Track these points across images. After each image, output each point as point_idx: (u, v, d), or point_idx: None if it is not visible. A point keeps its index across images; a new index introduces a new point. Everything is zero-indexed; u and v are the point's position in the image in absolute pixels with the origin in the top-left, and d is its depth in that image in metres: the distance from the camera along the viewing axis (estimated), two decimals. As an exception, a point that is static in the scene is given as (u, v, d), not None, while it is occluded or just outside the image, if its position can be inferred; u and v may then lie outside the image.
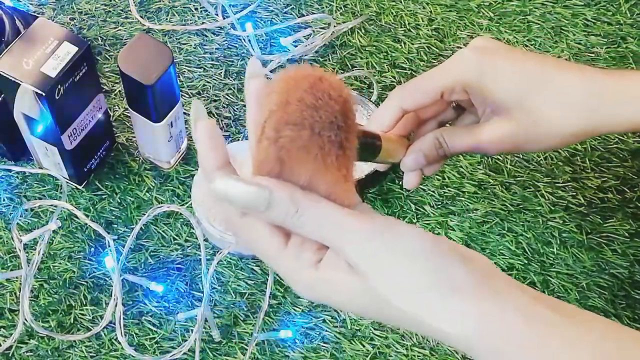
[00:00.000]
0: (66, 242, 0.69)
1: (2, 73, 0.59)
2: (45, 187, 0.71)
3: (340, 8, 0.82)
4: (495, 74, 0.54)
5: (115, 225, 0.70)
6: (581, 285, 0.69)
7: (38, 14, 0.80)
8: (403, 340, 0.67)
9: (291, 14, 0.82)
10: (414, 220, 0.71)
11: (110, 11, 0.81)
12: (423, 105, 0.56)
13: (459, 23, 0.82)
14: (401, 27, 0.81)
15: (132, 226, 0.70)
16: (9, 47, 0.60)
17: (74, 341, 0.65)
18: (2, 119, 0.66)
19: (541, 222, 0.72)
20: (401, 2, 0.83)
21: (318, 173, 0.39)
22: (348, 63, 0.79)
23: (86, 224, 0.68)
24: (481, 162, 0.74)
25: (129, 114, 0.69)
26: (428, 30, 0.81)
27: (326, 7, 0.82)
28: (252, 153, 0.40)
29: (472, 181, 0.74)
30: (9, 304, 0.67)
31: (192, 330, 0.65)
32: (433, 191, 0.73)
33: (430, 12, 0.83)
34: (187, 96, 0.77)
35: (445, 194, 0.73)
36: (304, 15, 0.81)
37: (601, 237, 0.72)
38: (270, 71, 0.77)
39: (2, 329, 0.66)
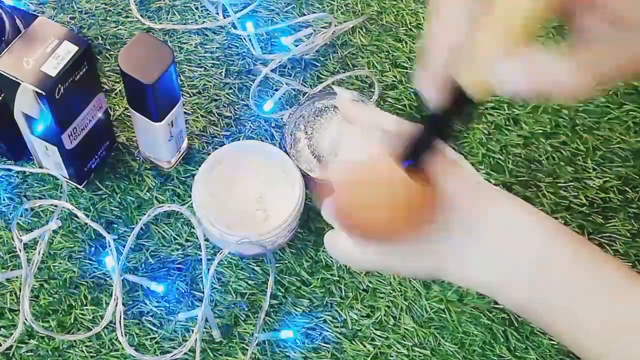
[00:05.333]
0: (66, 241, 0.69)
1: (2, 72, 0.59)
2: (45, 186, 0.71)
3: (341, 7, 0.82)
4: None
5: (116, 225, 0.70)
6: (583, 286, 0.69)
7: (38, 13, 0.80)
8: (404, 340, 0.67)
9: (292, 13, 0.81)
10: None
11: (110, 10, 0.81)
12: None
13: (461, 22, 0.82)
14: (402, 27, 0.81)
15: (132, 226, 0.69)
16: (9, 46, 0.60)
17: (74, 341, 0.65)
18: (2, 119, 0.66)
19: (543, 222, 0.72)
20: (402, 1, 0.83)
21: None
22: (349, 62, 0.79)
23: (86, 223, 0.68)
24: (482, 162, 0.74)
25: (129, 114, 0.69)
26: (429, 30, 0.81)
27: (327, 6, 0.82)
28: None
29: (473, 181, 0.73)
30: (9, 304, 0.66)
31: (192, 330, 0.65)
32: (434, 191, 0.73)
33: (432, 11, 0.82)
34: (188, 95, 0.76)
35: (447, 194, 0.73)
36: (304, 15, 0.81)
37: (603, 237, 0.71)
38: (271, 70, 0.77)
39: (2, 329, 0.66)
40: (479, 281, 0.45)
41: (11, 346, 0.65)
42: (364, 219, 0.44)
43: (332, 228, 0.50)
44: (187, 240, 0.70)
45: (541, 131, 0.76)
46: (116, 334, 0.65)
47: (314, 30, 0.80)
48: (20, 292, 0.65)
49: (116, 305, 0.65)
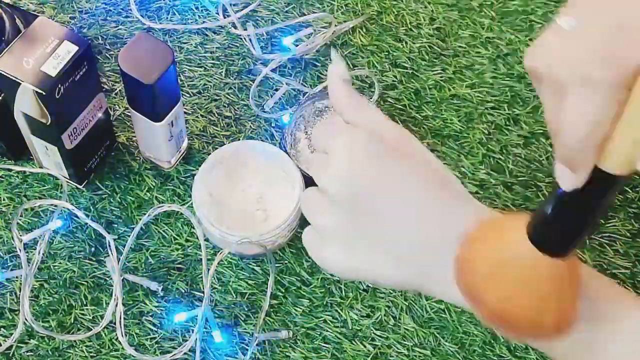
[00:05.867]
0: (66, 241, 0.69)
1: (2, 72, 0.59)
2: (45, 186, 0.71)
3: (342, 7, 0.82)
4: None
5: (116, 225, 0.70)
6: (583, 286, 0.69)
7: (38, 12, 0.80)
8: (404, 340, 0.67)
9: (292, 13, 0.81)
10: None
11: (110, 10, 0.81)
12: None
13: (461, 22, 0.82)
14: (402, 27, 0.81)
15: (132, 226, 0.69)
16: (9, 46, 0.60)
17: (74, 341, 0.65)
18: (2, 118, 0.66)
19: (543, 222, 0.72)
20: (402, 1, 0.83)
21: None
22: (349, 62, 0.79)
23: (86, 223, 0.68)
24: (483, 162, 0.74)
25: (129, 114, 0.69)
26: (429, 30, 0.81)
27: (327, 6, 0.82)
28: None
29: (473, 181, 0.73)
30: (9, 304, 0.66)
31: (192, 330, 0.65)
32: (434, 191, 0.73)
33: (432, 11, 0.82)
34: (188, 95, 0.76)
35: (447, 194, 0.73)
36: (304, 15, 0.81)
37: (603, 237, 0.71)
38: (271, 70, 0.77)
39: (2, 329, 0.66)
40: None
41: (11, 346, 0.65)
42: (509, 311, 0.40)
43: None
44: (187, 240, 0.70)
45: (541, 131, 0.76)
46: (116, 334, 0.65)
47: (314, 30, 0.80)
48: (20, 292, 0.65)
49: (116, 305, 0.65)
